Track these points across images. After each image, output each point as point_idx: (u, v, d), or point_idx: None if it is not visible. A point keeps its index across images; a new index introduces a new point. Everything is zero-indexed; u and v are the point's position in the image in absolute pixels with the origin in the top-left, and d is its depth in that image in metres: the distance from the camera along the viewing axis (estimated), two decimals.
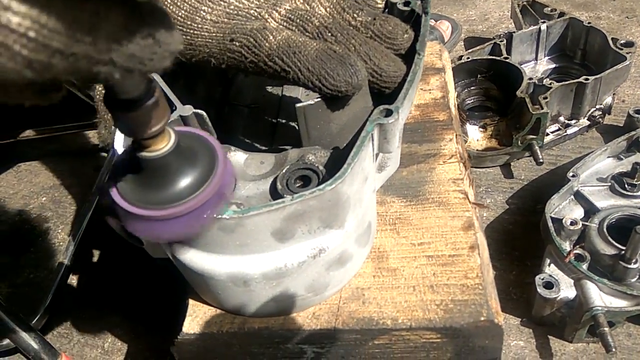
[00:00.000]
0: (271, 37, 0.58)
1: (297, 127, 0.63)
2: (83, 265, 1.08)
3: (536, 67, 1.30)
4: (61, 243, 1.15)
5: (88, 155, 1.31)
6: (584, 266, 0.85)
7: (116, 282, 1.05)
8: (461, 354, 0.63)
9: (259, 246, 0.56)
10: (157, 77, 0.62)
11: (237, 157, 0.64)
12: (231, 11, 0.61)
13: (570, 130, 1.18)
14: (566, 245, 0.89)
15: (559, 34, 1.27)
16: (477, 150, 1.17)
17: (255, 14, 0.61)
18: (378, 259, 0.68)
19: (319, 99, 0.59)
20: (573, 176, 0.96)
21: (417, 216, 0.71)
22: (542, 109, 1.06)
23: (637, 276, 0.83)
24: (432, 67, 0.95)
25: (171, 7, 0.61)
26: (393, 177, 0.75)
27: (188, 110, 0.61)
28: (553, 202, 0.94)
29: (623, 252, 0.81)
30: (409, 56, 0.62)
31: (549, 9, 1.30)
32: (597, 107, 1.17)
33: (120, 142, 0.67)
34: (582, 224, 0.89)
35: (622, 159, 1.02)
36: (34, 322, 0.94)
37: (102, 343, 0.97)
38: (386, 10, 0.68)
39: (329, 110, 0.60)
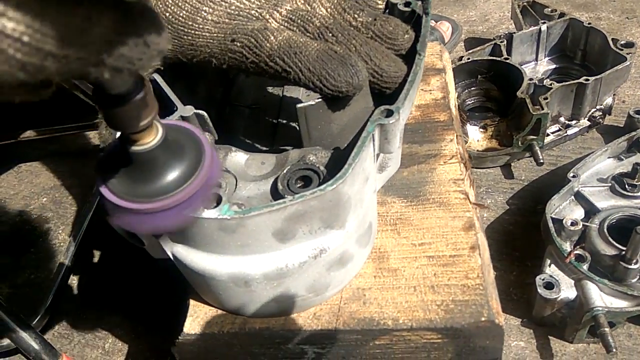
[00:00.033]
0: (272, 38, 0.58)
1: (297, 128, 0.63)
2: (84, 265, 1.09)
3: (536, 67, 1.30)
4: (62, 244, 1.15)
5: (89, 156, 1.31)
6: (585, 267, 0.85)
7: (117, 283, 1.05)
8: (462, 354, 0.63)
9: (260, 246, 0.56)
10: (157, 77, 0.63)
11: (238, 157, 0.64)
12: (232, 12, 0.61)
13: (570, 131, 1.18)
14: (567, 246, 0.89)
15: (559, 34, 1.27)
16: (477, 150, 1.17)
17: (256, 14, 0.61)
18: (379, 260, 0.68)
19: (320, 100, 0.59)
20: (573, 177, 0.96)
21: (418, 216, 0.71)
22: (543, 109, 1.06)
23: (638, 277, 0.83)
24: (433, 67, 0.95)
25: (172, 7, 0.61)
26: (394, 178, 0.75)
27: (189, 110, 0.61)
28: (553, 203, 0.94)
29: (623, 252, 0.81)
30: (410, 57, 0.62)
31: (549, 9, 1.30)
32: (598, 107, 1.18)
33: None
34: (583, 225, 0.89)
35: (622, 160, 1.02)
36: (34, 322, 0.94)
37: (102, 343, 0.97)
38: (387, 10, 0.68)
39: (330, 111, 0.60)
